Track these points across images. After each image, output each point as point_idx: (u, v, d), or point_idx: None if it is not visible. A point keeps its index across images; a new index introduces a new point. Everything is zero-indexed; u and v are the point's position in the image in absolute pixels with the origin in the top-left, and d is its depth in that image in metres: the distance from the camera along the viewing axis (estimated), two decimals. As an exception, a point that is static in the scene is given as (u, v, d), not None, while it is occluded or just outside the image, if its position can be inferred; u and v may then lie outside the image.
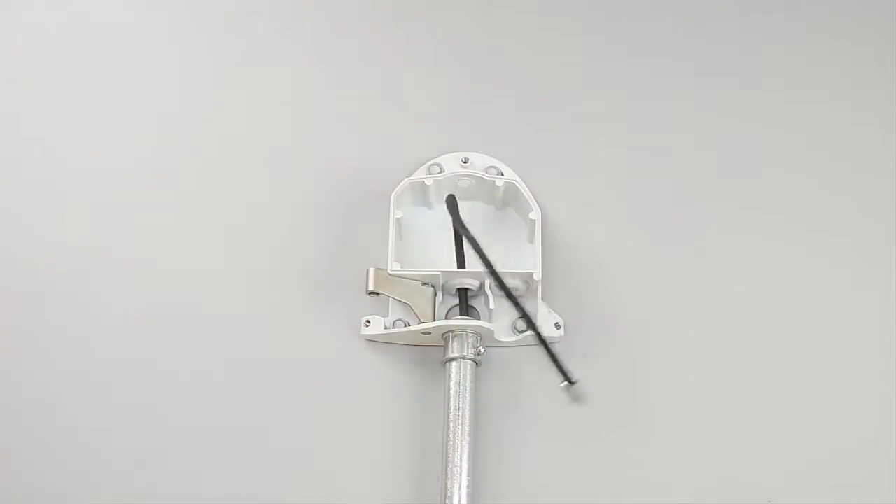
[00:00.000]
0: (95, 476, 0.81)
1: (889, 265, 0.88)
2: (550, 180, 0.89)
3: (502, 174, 0.88)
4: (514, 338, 0.83)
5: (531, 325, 0.79)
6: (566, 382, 0.78)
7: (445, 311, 0.85)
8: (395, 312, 0.84)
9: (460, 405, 0.79)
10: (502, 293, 0.80)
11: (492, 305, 0.83)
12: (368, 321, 0.84)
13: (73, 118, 0.94)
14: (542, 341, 0.78)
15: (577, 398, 0.78)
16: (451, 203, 0.85)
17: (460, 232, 0.82)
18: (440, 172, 0.88)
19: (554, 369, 0.77)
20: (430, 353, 0.84)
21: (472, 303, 0.85)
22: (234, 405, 0.83)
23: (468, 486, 0.77)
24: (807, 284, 0.87)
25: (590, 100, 0.94)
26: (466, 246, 0.84)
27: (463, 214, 0.84)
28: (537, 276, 0.82)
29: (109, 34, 0.98)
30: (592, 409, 0.80)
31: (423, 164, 0.89)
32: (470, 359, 0.81)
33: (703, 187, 0.91)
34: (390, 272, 0.82)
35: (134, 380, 0.84)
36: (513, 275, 0.82)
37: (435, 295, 0.84)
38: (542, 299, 0.83)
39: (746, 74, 0.96)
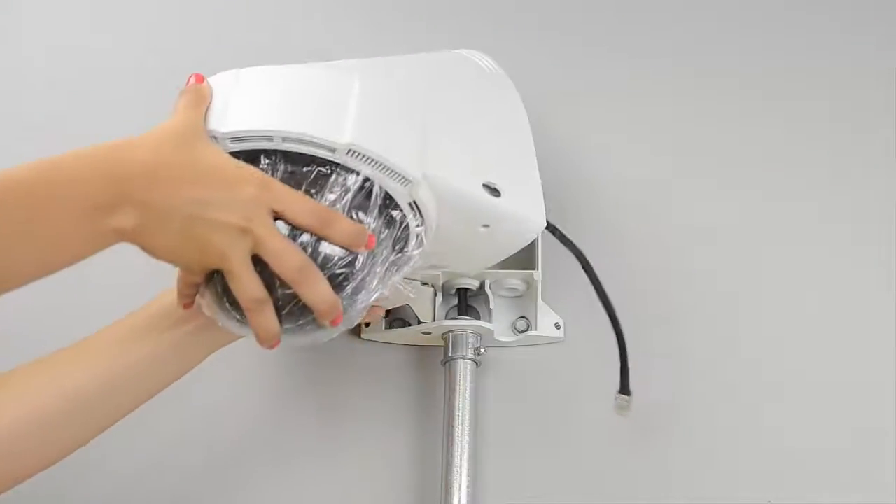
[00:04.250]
0: (90, 476, 0.81)
1: (888, 267, 0.88)
2: (550, 180, 0.89)
3: (502, 174, 0.88)
4: (514, 338, 0.83)
5: (615, 324, 0.76)
6: (622, 393, 0.77)
7: (445, 311, 0.85)
8: (395, 312, 0.84)
9: (460, 405, 0.79)
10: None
11: (492, 305, 0.83)
12: (368, 321, 0.84)
13: (72, 118, 0.94)
14: (621, 345, 0.76)
15: (621, 408, 0.77)
16: None
17: None
18: (440, 172, 0.87)
19: (619, 376, 0.77)
20: (430, 353, 0.84)
21: (472, 303, 0.85)
22: (233, 405, 0.84)
23: (468, 486, 0.77)
24: (808, 286, 0.88)
25: (590, 99, 0.94)
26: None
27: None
28: (537, 276, 0.82)
29: (110, 32, 0.98)
30: (592, 409, 0.80)
31: (423, 164, 0.89)
32: (470, 359, 0.81)
33: (704, 187, 0.91)
34: (390, 272, 0.82)
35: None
36: (513, 275, 0.82)
37: (435, 295, 0.84)
38: (542, 299, 0.83)
39: (744, 74, 0.95)
